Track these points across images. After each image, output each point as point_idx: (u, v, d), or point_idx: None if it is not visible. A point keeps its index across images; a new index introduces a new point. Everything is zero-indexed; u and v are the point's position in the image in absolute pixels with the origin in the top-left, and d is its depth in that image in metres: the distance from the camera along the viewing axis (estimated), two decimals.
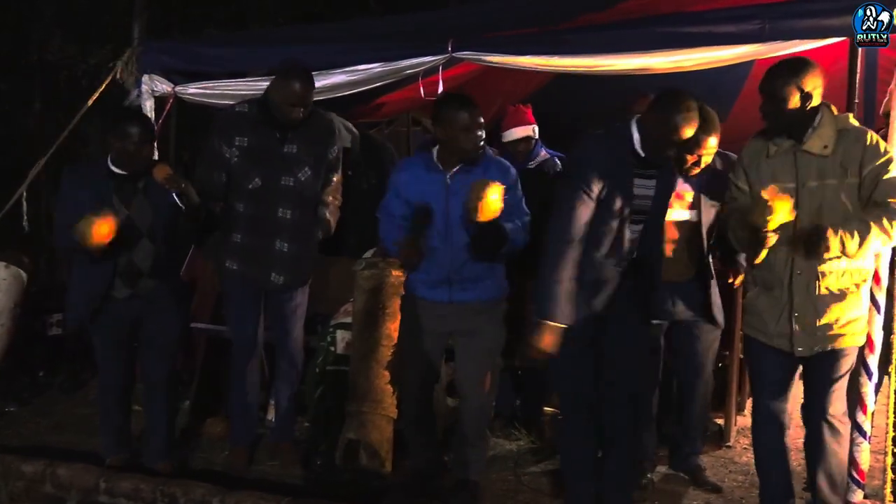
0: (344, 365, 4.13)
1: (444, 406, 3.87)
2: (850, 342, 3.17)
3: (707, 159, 3.62)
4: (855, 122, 3.17)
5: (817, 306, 3.11)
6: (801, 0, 3.77)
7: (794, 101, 3.07)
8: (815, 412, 3.23)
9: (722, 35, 3.78)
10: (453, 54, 4.19)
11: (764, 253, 3.11)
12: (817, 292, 3.11)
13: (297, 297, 4.01)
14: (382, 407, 3.87)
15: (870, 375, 3.51)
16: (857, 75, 3.50)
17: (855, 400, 3.48)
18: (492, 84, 5.47)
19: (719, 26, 3.78)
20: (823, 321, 3.12)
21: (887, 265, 3.47)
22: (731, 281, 3.90)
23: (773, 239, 3.04)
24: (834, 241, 2.98)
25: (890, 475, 3.53)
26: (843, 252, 3.02)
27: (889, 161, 3.06)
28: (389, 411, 3.88)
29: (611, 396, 3.36)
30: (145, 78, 4.83)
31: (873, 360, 3.49)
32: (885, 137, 3.33)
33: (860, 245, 3.02)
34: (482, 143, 3.48)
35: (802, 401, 3.33)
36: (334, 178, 4.00)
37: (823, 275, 3.10)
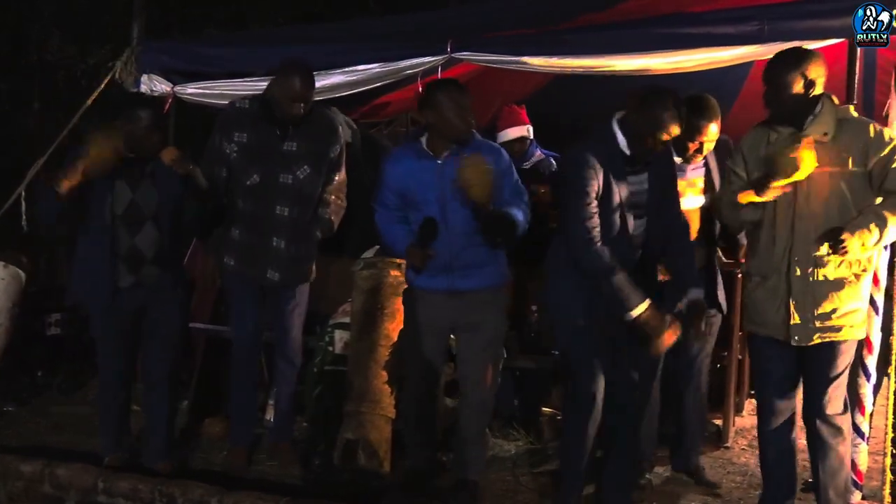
0: (342, 365, 4.14)
1: (443, 406, 3.86)
2: (848, 335, 3.16)
3: (709, 146, 3.63)
4: (855, 114, 3.19)
5: (815, 294, 3.11)
6: (800, 1, 3.78)
7: (797, 88, 3.09)
8: (813, 411, 3.22)
9: (721, 36, 3.79)
10: (452, 55, 4.20)
11: (769, 194, 3.10)
12: (814, 280, 3.11)
13: (297, 297, 4.00)
14: (381, 407, 3.87)
15: (868, 376, 3.51)
16: (857, 76, 3.51)
17: (853, 401, 3.47)
18: (491, 84, 5.47)
19: (719, 27, 3.80)
20: (821, 310, 3.12)
21: (886, 266, 3.48)
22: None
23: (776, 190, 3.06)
24: (852, 242, 2.98)
25: (888, 476, 3.52)
26: (864, 247, 3.02)
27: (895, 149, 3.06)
28: (388, 411, 3.88)
29: (612, 395, 3.36)
30: (144, 78, 4.84)
31: (872, 361, 3.50)
32: None
33: (879, 238, 3.03)
34: (472, 124, 3.48)
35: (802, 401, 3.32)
36: (336, 178, 4.00)
37: (822, 263, 3.10)
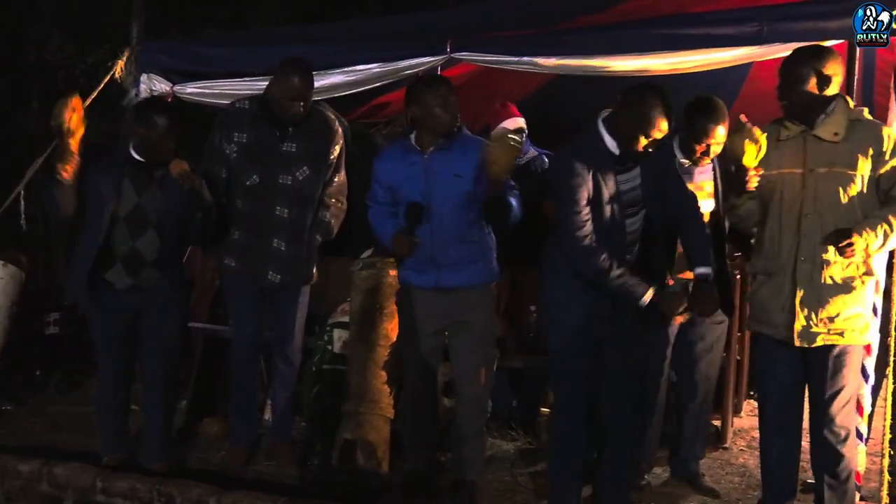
0: (341, 364, 4.13)
1: (441, 406, 3.86)
2: (852, 339, 3.14)
3: (716, 148, 3.61)
4: (869, 116, 3.17)
5: (820, 296, 3.10)
6: (799, 2, 3.78)
7: (811, 84, 3.08)
8: (819, 418, 3.20)
9: (720, 37, 3.78)
10: (452, 55, 4.20)
11: (744, 199, 3.20)
12: (821, 281, 3.09)
13: (297, 298, 4.00)
14: (379, 407, 3.87)
15: (866, 378, 3.51)
16: (856, 77, 3.51)
17: None
18: (491, 85, 5.46)
19: (718, 28, 3.79)
20: (825, 312, 3.10)
21: (884, 268, 3.47)
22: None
23: (753, 180, 3.14)
24: (859, 243, 2.98)
25: (886, 477, 3.53)
26: (867, 251, 3.01)
27: None
28: (386, 411, 3.88)
29: (611, 398, 3.35)
30: (144, 77, 4.82)
31: (870, 363, 3.49)
32: None
33: (883, 243, 3.02)
34: (458, 116, 3.49)
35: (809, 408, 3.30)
36: (336, 179, 3.99)
37: (828, 263, 3.08)
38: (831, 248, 3.06)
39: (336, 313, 4.34)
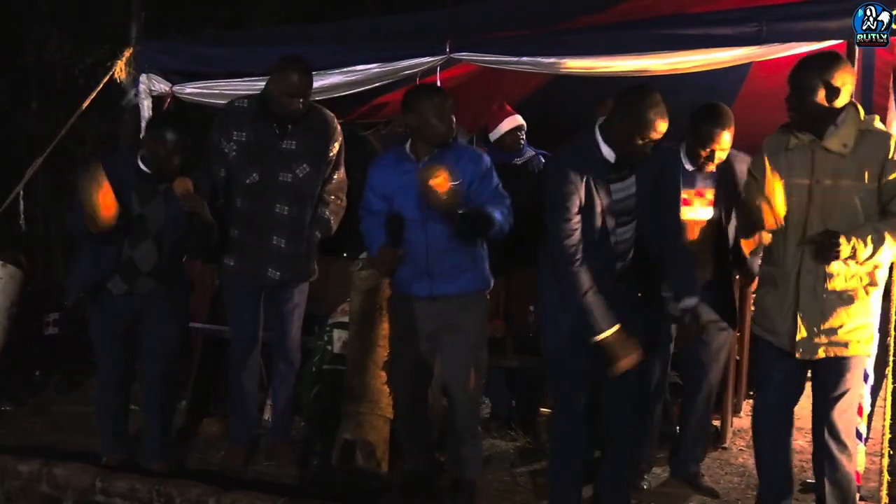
0: (340, 364, 4.13)
1: (440, 406, 3.86)
2: (856, 350, 3.12)
3: (721, 154, 3.61)
4: (881, 126, 3.12)
5: (823, 308, 3.08)
6: (798, 3, 3.78)
7: (820, 96, 3.02)
8: (821, 425, 3.19)
9: (720, 37, 3.79)
10: (451, 55, 4.20)
11: (758, 238, 3.17)
12: (824, 293, 3.07)
13: (296, 297, 4.00)
14: (379, 407, 3.87)
15: (866, 378, 3.50)
16: (855, 78, 3.50)
17: None
18: (490, 85, 5.47)
19: (717, 28, 3.80)
20: (828, 324, 3.08)
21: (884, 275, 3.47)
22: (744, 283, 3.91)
23: (766, 236, 3.11)
24: (846, 248, 2.94)
25: (886, 477, 3.53)
26: (853, 257, 2.99)
27: None
28: (386, 412, 3.87)
29: (612, 399, 3.35)
30: (143, 77, 4.83)
31: (869, 363, 3.49)
32: None
33: (871, 254, 2.99)
34: (454, 127, 3.48)
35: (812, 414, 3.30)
36: (336, 176, 3.99)
37: (831, 276, 3.06)
38: (834, 265, 3.04)
39: (336, 313, 4.34)
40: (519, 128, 4.66)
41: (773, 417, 3.29)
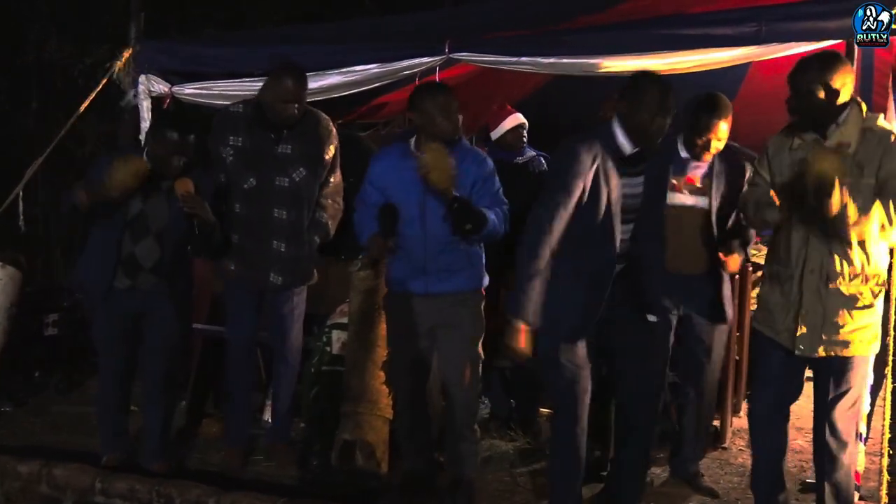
0: (339, 365, 4.13)
1: (439, 406, 3.86)
2: (858, 350, 3.11)
3: (718, 144, 3.61)
4: (884, 124, 3.11)
5: (826, 306, 3.07)
6: (797, 3, 3.78)
7: (820, 97, 3.02)
8: (823, 424, 3.19)
9: (719, 37, 3.79)
10: (450, 55, 4.20)
11: (835, 202, 2.93)
12: (827, 292, 3.07)
13: (295, 299, 4.01)
14: (378, 408, 3.87)
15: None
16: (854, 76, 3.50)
17: None
18: (489, 85, 5.47)
19: (716, 28, 3.80)
20: (829, 323, 3.07)
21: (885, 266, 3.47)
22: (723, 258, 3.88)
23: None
24: (837, 197, 2.85)
25: (885, 477, 3.53)
26: (843, 217, 2.90)
27: None
28: (385, 412, 3.87)
29: (624, 398, 3.36)
30: (142, 78, 4.83)
31: (869, 363, 3.49)
32: None
33: (858, 217, 2.92)
34: (459, 125, 3.48)
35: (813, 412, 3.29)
36: (332, 180, 3.99)
37: (835, 275, 3.05)
38: (837, 260, 3.03)
39: (335, 314, 4.34)
40: (521, 125, 4.66)
41: (767, 412, 3.29)
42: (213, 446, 4.27)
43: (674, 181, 3.65)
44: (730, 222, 3.72)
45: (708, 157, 3.65)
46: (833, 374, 3.14)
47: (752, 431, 3.40)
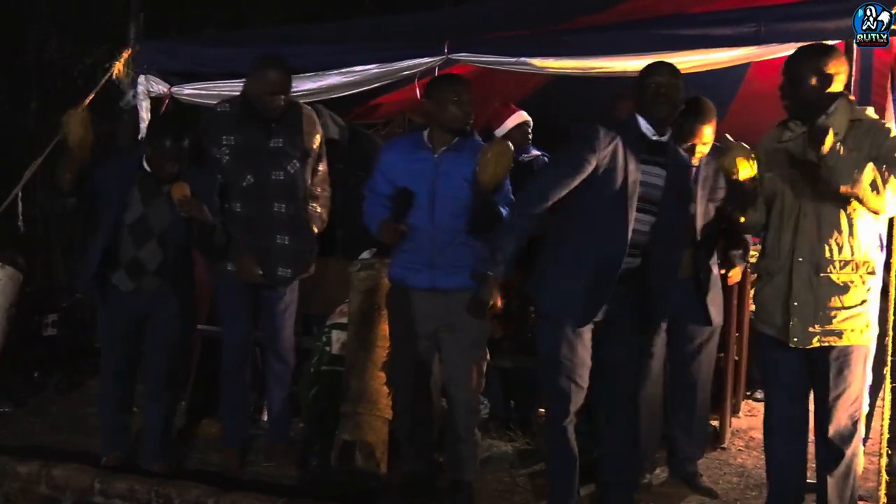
0: (339, 365, 4.13)
1: (439, 407, 3.86)
2: (853, 339, 3.10)
3: (703, 149, 3.63)
4: (872, 115, 3.14)
5: (817, 295, 3.07)
6: (797, 3, 3.78)
7: (812, 84, 3.05)
8: (822, 419, 3.19)
9: (718, 38, 3.79)
10: (450, 55, 4.20)
11: (750, 213, 3.17)
12: (818, 281, 3.07)
13: (287, 296, 4.02)
14: (378, 408, 3.87)
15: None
16: (853, 78, 3.51)
17: None
18: (489, 86, 5.45)
19: (716, 29, 3.80)
20: (821, 312, 3.07)
21: (882, 264, 3.47)
22: (724, 273, 3.90)
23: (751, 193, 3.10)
24: (829, 139, 2.85)
25: (884, 477, 3.53)
26: (835, 160, 2.89)
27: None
28: (385, 412, 3.87)
29: (609, 397, 3.35)
30: (141, 78, 4.82)
31: (868, 362, 3.49)
32: None
33: (847, 169, 2.90)
34: (472, 117, 3.49)
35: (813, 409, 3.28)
36: (321, 168, 4.04)
37: (826, 263, 3.06)
38: (827, 248, 3.04)
39: (334, 314, 4.34)
40: (526, 123, 4.67)
41: (781, 413, 3.27)
42: (212, 446, 4.27)
43: None
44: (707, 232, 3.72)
45: (694, 162, 3.65)
46: (832, 367, 3.13)
47: (766, 436, 3.36)
